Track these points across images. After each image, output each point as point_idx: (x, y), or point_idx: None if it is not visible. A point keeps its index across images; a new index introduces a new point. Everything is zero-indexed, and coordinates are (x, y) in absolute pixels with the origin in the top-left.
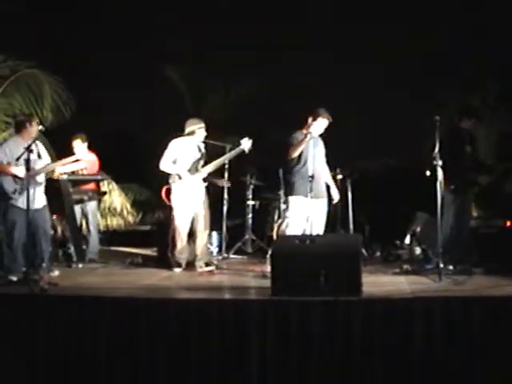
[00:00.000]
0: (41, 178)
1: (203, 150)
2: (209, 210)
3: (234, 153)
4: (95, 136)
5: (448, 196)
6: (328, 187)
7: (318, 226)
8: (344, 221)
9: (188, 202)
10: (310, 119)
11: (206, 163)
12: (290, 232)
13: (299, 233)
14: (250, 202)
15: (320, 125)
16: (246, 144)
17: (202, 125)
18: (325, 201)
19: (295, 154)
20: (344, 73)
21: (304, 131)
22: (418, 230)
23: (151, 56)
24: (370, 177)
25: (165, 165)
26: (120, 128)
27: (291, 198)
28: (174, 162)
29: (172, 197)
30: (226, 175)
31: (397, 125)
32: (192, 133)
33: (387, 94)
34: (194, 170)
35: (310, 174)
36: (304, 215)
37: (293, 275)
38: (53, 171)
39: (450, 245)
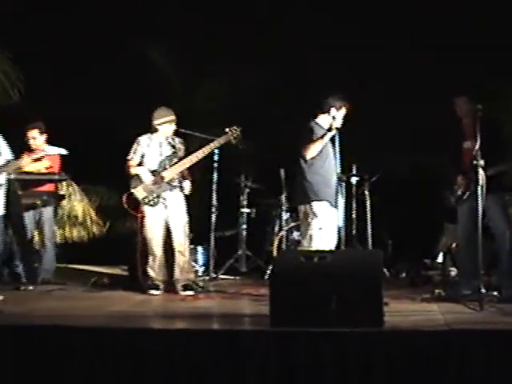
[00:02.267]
0: (1, 179)
1: (179, 145)
2: (187, 217)
3: (213, 145)
4: (52, 126)
5: (458, 207)
6: None
7: (332, 239)
8: (361, 234)
9: (156, 208)
10: (331, 110)
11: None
12: (321, 247)
13: (331, 247)
14: (245, 210)
15: (340, 115)
16: (232, 134)
17: (168, 118)
18: (337, 210)
19: (316, 152)
20: (360, 59)
21: (324, 122)
22: (454, 245)
23: (133, 32)
24: (393, 179)
25: (128, 165)
26: (86, 117)
27: (316, 204)
28: (141, 163)
29: (133, 203)
30: (215, 176)
31: (429, 117)
32: (154, 130)
33: (413, 81)
34: (162, 169)
35: (330, 174)
36: (334, 225)
37: (297, 301)
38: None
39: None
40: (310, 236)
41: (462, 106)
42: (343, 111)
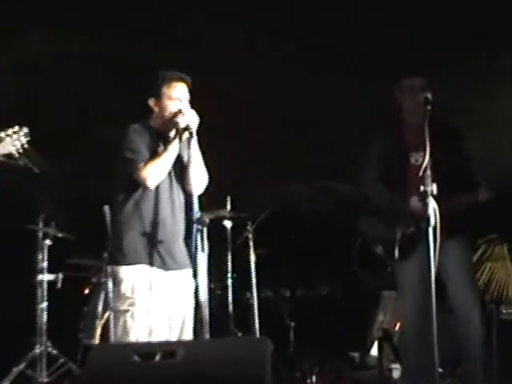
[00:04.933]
0: None
1: None
2: None
3: None
4: None
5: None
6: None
7: (177, 324)
8: (242, 311)
9: None
10: (151, 102)
11: None
12: (130, 338)
13: (147, 338)
14: (45, 277)
15: (174, 102)
16: (11, 141)
17: None
18: (190, 273)
19: (162, 175)
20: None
21: (162, 122)
22: (397, 327)
23: None
24: (297, 220)
25: None
26: None
27: (121, 270)
28: None
29: None
30: None
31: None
32: None
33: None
34: None
35: (161, 217)
36: (174, 300)
37: None
38: None
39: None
40: (116, 320)
41: (401, 95)
42: (182, 91)
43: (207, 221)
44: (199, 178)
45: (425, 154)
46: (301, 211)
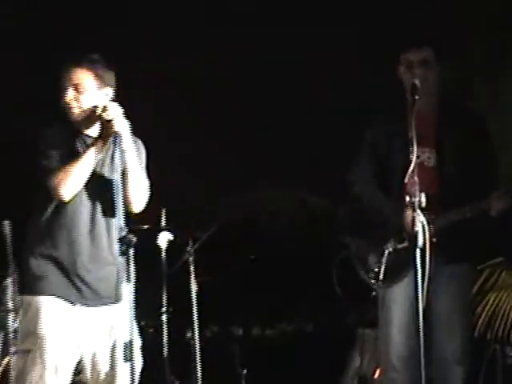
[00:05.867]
0: None
1: None
2: None
3: None
4: None
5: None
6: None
7: (103, 372)
8: (181, 354)
9: None
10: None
11: None
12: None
13: None
14: None
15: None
16: None
17: None
18: (121, 307)
19: (78, 186)
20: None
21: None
22: (377, 374)
23: None
24: (251, 237)
25: None
26: None
27: (25, 300)
28: None
29: None
30: None
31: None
32: None
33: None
34: None
35: (74, 242)
36: (69, 343)
37: None
38: None
39: None
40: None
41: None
42: (80, 77)
43: (134, 240)
44: (135, 191)
45: (413, 153)
46: (259, 227)
